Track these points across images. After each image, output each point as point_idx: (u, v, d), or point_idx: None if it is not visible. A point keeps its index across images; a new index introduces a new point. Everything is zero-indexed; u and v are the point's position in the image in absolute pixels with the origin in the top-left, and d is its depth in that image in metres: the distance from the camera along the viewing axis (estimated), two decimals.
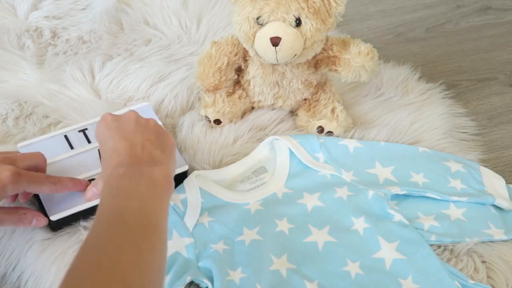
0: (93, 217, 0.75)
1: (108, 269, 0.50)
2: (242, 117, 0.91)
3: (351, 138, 0.88)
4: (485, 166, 0.88)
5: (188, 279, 0.69)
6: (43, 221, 0.73)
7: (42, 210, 0.74)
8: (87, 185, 0.75)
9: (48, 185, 0.70)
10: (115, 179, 0.61)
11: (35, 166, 0.73)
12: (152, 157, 0.64)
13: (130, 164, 0.62)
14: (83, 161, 0.79)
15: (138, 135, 0.67)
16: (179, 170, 0.80)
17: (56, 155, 0.79)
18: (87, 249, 0.53)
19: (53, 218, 0.72)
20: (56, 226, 0.74)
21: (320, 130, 0.88)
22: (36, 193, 0.74)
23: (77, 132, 0.82)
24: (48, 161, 0.77)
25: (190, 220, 0.75)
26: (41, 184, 0.70)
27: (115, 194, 0.59)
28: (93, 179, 0.76)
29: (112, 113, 0.71)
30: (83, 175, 0.77)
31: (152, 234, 0.56)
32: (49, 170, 0.77)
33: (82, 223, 0.75)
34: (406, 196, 0.80)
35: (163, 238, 0.58)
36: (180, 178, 0.80)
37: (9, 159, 0.69)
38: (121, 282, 0.50)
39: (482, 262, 0.75)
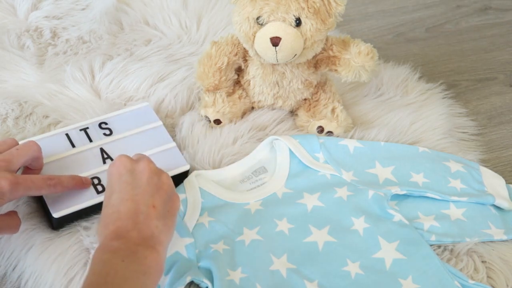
0: (94, 216, 0.76)
1: None
2: (242, 117, 0.91)
3: (351, 138, 0.88)
4: (485, 166, 0.88)
5: (188, 279, 0.69)
6: None
7: (45, 207, 0.74)
8: (89, 183, 0.75)
9: (47, 188, 0.71)
10: (107, 255, 0.59)
11: (32, 159, 0.73)
12: (151, 233, 0.62)
13: (126, 239, 0.61)
14: (85, 159, 0.79)
15: (145, 198, 0.65)
16: (180, 170, 0.80)
17: (58, 153, 0.79)
18: None
19: (56, 215, 0.72)
20: (58, 224, 0.74)
21: (320, 130, 0.88)
22: (34, 195, 0.74)
23: (78, 131, 0.82)
24: (49, 159, 0.78)
25: (190, 220, 0.75)
26: (39, 189, 0.70)
27: (103, 278, 0.57)
28: (95, 177, 0.77)
29: (128, 157, 0.68)
30: (85, 173, 0.77)
31: None
32: (50, 169, 0.77)
33: (83, 223, 0.75)
34: (406, 196, 0.80)
35: None
36: (181, 178, 0.80)
37: (5, 161, 0.69)
38: None
39: (482, 262, 0.75)
